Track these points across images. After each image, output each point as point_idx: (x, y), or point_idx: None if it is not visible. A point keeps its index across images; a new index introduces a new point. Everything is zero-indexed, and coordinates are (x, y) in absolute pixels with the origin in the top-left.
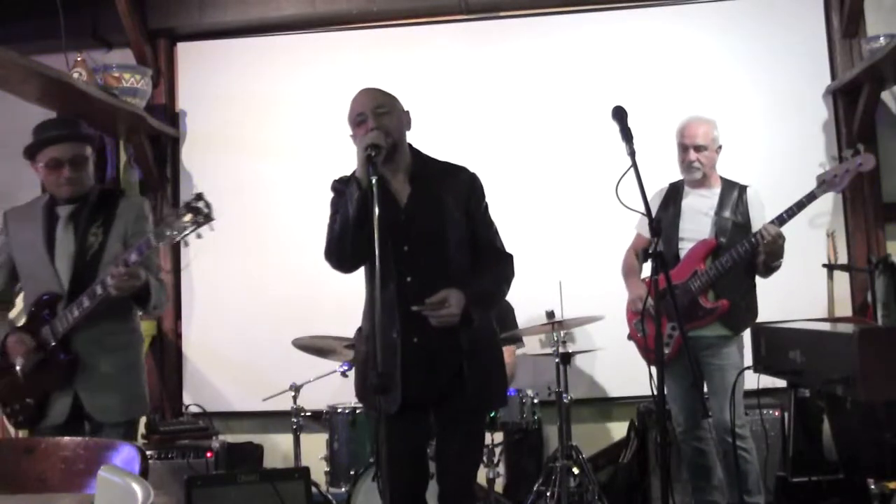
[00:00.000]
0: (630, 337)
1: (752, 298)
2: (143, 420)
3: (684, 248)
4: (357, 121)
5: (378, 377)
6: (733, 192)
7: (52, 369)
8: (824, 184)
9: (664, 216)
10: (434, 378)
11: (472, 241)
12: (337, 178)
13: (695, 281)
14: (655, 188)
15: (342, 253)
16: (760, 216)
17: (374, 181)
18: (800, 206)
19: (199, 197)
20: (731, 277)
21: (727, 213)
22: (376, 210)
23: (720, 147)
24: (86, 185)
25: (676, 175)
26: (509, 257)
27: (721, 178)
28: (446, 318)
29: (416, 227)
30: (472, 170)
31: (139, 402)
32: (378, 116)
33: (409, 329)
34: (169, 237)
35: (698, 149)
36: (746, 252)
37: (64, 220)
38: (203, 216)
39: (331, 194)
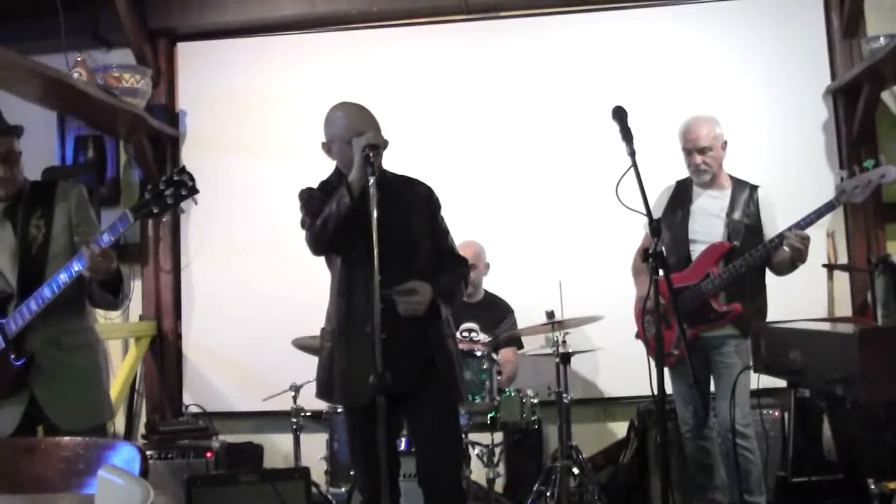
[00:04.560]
0: (638, 336)
1: (762, 300)
2: (117, 422)
3: (695, 249)
4: (358, 135)
5: (377, 377)
6: (744, 193)
7: (3, 375)
8: (844, 193)
9: (672, 217)
10: (406, 372)
11: (434, 247)
12: (305, 187)
13: (707, 283)
14: (655, 188)
15: (324, 240)
16: (771, 218)
17: (371, 181)
18: (818, 214)
19: (182, 170)
20: (744, 280)
21: (738, 215)
22: (375, 210)
23: (725, 143)
24: (20, 181)
25: (677, 175)
26: (466, 261)
27: (731, 176)
28: (414, 306)
29: (386, 231)
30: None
31: (105, 405)
32: (380, 136)
33: (380, 325)
34: (148, 212)
35: (703, 151)
36: (761, 257)
37: None
38: (187, 189)
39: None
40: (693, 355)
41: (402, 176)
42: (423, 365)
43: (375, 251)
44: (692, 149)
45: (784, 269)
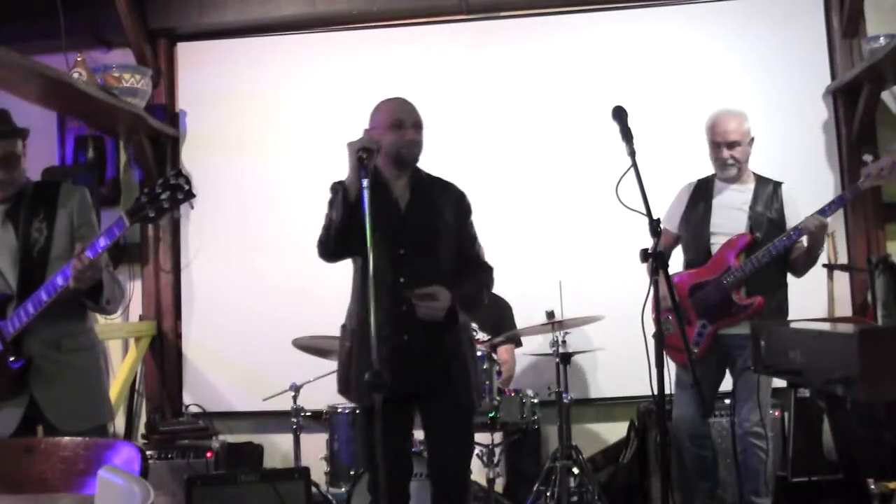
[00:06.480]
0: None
1: (783, 297)
2: (121, 423)
3: (717, 242)
4: (393, 124)
5: (373, 375)
6: (768, 188)
7: (1, 376)
8: (869, 177)
9: (694, 212)
10: (422, 375)
11: (459, 252)
12: (336, 181)
13: (728, 276)
14: (656, 188)
15: (327, 248)
16: (795, 214)
17: (365, 184)
18: (842, 199)
19: (178, 173)
20: (764, 274)
21: (761, 208)
22: (367, 211)
23: (752, 139)
24: (19, 183)
25: (678, 174)
26: (491, 269)
27: (754, 173)
28: (433, 311)
29: (412, 231)
30: (461, 187)
31: (105, 407)
32: (417, 130)
33: (400, 327)
34: (144, 216)
35: (731, 145)
36: (784, 248)
37: (0, 218)
38: (183, 192)
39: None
40: (705, 355)
41: (436, 178)
42: (438, 368)
43: (370, 254)
44: (721, 142)
45: (800, 265)
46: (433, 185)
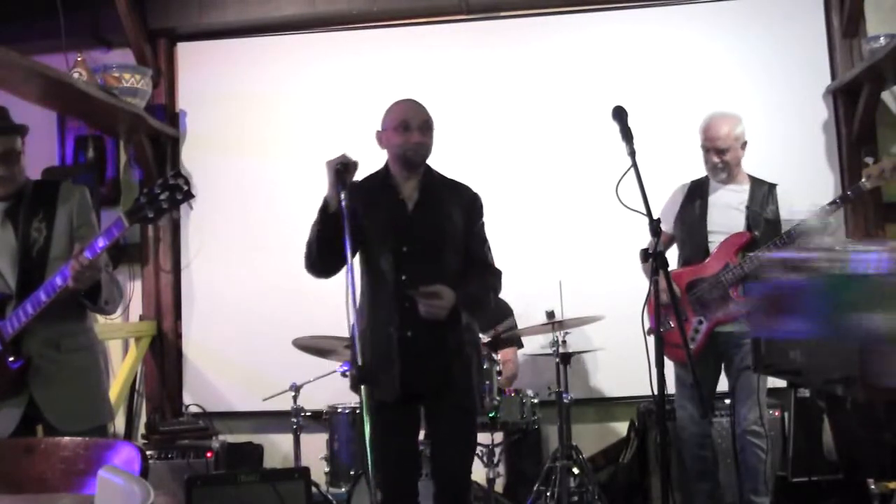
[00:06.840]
0: (650, 332)
1: None
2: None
3: (714, 241)
4: (400, 126)
5: (358, 370)
6: (763, 189)
7: (1, 376)
8: (871, 177)
9: (691, 210)
10: (425, 373)
11: (467, 253)
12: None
13: (727, 273)
14: (656, 188)
15: (310, 262)
16: (790, 215)
17: (343, 196)
18: (844, 198)
19: (178, 174)
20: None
21: (758, 209)
22: (346, 227)
23: (745, 143)
24: (19, 180)
25: (678, 174)
26: (499, 272)
27: (748, 175)
28: (436, 309)
29: (417, 231)
30: (474, 189)
31: (104, 407)
32: (423, 132)
33: (403, 324)
34: (142, 217)
35: (721, 152)
36: (785, 245)
37: None
38: (182, 193)
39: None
40: (702, 354)
41: (449, 179)
42: (441, 369)
43: (349, 259)
44: (710, 148)
45: None
46: (444, 186)
